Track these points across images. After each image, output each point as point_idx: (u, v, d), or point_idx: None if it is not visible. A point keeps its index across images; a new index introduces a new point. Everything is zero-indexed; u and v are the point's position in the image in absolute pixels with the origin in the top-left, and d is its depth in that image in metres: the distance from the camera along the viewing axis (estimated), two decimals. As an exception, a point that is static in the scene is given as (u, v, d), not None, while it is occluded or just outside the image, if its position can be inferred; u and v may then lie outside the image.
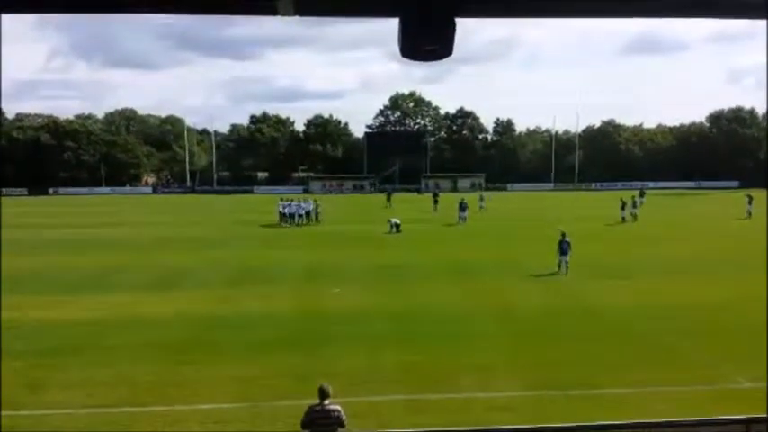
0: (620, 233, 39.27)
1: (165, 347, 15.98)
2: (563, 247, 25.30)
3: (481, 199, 54.09)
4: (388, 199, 59.50)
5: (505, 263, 27.84)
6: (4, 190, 78.62)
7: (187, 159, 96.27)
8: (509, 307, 20.23)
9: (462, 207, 44.43)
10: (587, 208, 55.45)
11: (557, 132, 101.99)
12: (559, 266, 25.24)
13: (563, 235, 25.54)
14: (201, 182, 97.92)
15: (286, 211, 43.92)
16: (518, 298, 21.47)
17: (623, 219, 43.70)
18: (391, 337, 16.76)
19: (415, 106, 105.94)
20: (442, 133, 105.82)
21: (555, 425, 9.74)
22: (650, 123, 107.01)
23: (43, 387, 13.38)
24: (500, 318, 18.87)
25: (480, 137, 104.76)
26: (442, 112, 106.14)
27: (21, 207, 60.08)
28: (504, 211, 52.82)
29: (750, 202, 46.16)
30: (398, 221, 38.72)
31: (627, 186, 75.53)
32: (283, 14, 2.79)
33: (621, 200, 45.26)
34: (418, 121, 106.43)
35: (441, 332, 17.20)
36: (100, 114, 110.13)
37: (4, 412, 11.02)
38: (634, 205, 45.58)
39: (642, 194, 56.69)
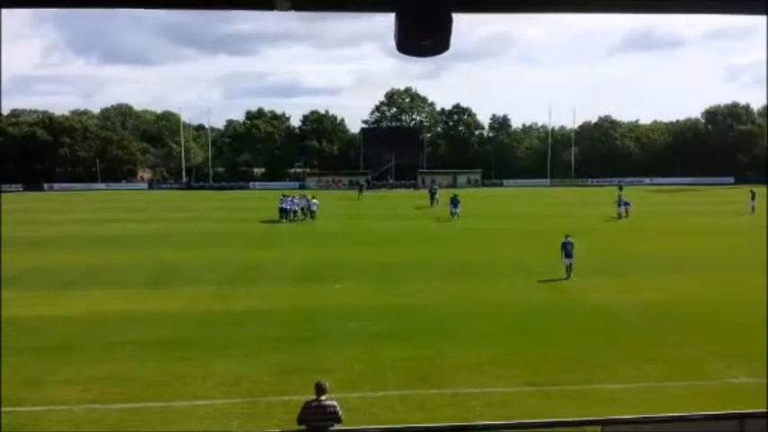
0: (622, 230, 39.29)
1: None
2: (567, 249, 23.49)
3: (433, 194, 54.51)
4: (360, 191, 67.11)
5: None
6: (-1, 186, 78.34)
7: (183, 155, 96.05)
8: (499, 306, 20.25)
9: (454, 203, 44.36)
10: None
11: (553, 128, 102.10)
12: (566, 271, 23.41)
13: (566, 236, 23.84)
14: (197, 178, 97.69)
15: (283, 206, 43.97)
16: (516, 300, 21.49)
17: (619, 215, 43.73)
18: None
19: (411, 102, 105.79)
20: (438, 129, 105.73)
21: (552, 419, 9.76)
22: (646, 119, 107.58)
23: (41, 384, 13.35)
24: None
25: (476, 133, 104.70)
26: (438, 107, 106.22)
27: (15, 203, 59.90)
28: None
29: (753, 198, 46.17)
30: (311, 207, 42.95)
31: (623, 182, 75.53)
32: (280, 9, 2.78)
33: (619, 196, 45.32)
34: (414, 116, 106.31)
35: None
36: (95, 110, 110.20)
37: (3, 408, 10.99)
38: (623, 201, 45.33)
39: (620, 189, 56.80)
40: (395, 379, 13.54)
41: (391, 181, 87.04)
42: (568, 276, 23.44)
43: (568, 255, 23.54)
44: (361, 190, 68.58)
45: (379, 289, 22.19)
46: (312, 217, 43.74)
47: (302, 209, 44.40)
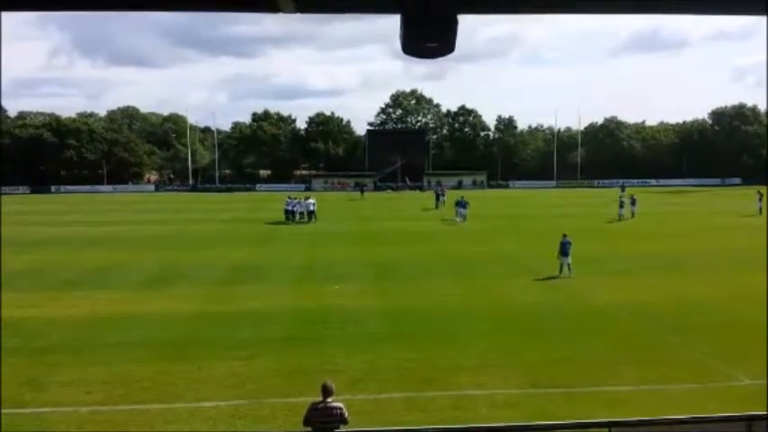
0: (624, 231, 39.16)
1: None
2: (564, 249, 23.62)
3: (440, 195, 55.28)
4: (362, 193, 69.29)
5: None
6: (6, 188, 78.62)
7: (189, 157, 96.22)
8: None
9: (461, 204, 43.94)
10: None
11: (559, 130, 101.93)
12: (561, 269, 23.65)
13: (564, 236, 23.92)
14: (204, 180, 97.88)
15: (289, 208, 44.15)
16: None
17: (620, 216, 43.63)
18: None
19: (416, 104, 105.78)
20: (444, 131, 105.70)
21: (559, 422, 9.74)
22: (652, 120, 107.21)
23: (44, 385, 13.37)
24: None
25: (482, 134, 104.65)
26: (444, 109, 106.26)
27: (22, 205, 60.13)
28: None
29: (761, 199, 45.85)
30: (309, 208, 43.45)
31: (629, 184, 75.44)
32: (285, 11, 2.79)
33: (620, 198, 45.17)
34: (420, 118, 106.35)
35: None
36: (102, 112, 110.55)
37: (4, 410, 11.01)
38: (633, 203, 45.26)
39: (623, 189, 56.62)
40: (398, 381, 13.50)
41: (398, 183, 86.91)
42: (567, 275, 23.51)
43: (565, 254, 23.66)
44: (362, 191, 70.11)
45: (380, 290, 22.17)
46: (314, 218, 43.74)
47: (308, 210, 44.57)
